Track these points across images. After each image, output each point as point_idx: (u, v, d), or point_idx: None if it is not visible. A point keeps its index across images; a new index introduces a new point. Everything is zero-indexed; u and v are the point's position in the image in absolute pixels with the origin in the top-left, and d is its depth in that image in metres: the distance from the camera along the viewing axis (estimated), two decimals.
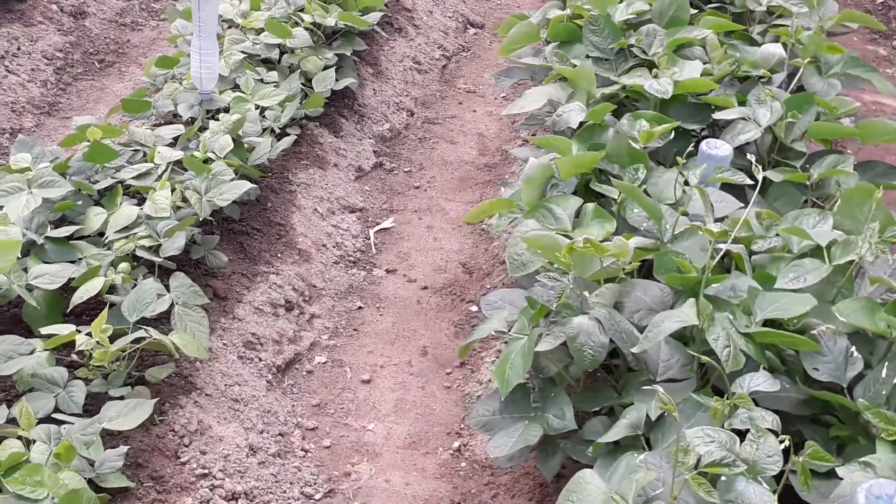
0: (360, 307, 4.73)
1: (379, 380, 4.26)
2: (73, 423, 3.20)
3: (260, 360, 4.10)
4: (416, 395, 4.17)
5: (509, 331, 3.33)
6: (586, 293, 3.22)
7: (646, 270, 3.50)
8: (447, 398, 4.15)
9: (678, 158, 3.56)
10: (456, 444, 3.87)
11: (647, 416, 2.84)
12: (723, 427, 2.59)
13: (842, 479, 2.53)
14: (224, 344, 4.03)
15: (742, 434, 2.55)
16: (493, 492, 3.57)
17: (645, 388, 2.86)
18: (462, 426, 3.97)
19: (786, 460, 2.51)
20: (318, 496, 3.61)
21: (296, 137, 5.28)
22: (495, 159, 6.07)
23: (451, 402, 4.12)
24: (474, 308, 4.66)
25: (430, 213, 5.53)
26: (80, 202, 4.17)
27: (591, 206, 3.63)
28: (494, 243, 5.13)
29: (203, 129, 4.86)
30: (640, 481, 2.47)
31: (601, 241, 3.29)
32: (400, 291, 4.87)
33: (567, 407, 3.11)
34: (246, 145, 4.75)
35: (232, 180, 4.28)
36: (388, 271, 5.01)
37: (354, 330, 4.58)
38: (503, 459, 3.34)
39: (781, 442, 2.45)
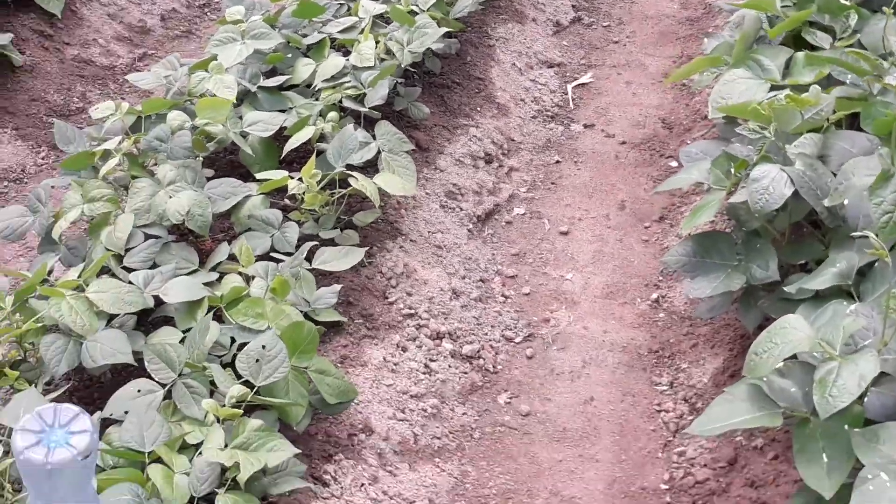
0: (557, 161, 4.75)
1: (577, 232, 4.30)
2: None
3: (461, 209, 4.20)
4: (614, 248, 4.19)
5: (707, 183, 3.29)
6: (787, 146, 3.13)
7: (857, 125, 3.36)
8: (645, 251, 4.15)
9: (884, 9, 3.37)
10: (654, 296, 3.89)
11: (856, 268, 2.77)
12: None
13: None
14: (427, 193, 4.13)
15: None
16: (692, 342, 3.59)
17: (855, 235, 2.77)
18: (660, 278, 3.98)
19: None
20: (518, 339, 3.72)
21: None
22: (697, 12, 5.88)
23: (650, 255, 4.12)
24: (674, 163, 4.60)
25: (629, 68, 5.44)
26: (289, 55, 4.31)
27: (801, 54, 3.50)
28: (695, 98, 5.01)
29: None
30: (848, 328, 2.43)
31: (812, 83, 3.18)
32: (598, 146, 4.85)
33: (771, 258, 3.07)
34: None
35: (434, 33, 4.30)
36: (585, 126, 4.99)
37: (552, 183, 4.61)
38: (704, 309, 3.35)
39: None
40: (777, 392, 2.51)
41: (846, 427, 2.34)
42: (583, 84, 5.30)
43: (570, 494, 3.11)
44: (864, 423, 2.35)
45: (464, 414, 3.37)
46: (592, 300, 3.92)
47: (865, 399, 2.43)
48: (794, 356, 2.53)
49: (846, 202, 2.91)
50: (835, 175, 2.99)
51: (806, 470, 2.34)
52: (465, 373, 3.52)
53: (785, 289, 2.91)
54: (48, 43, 5.12)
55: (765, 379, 2.53)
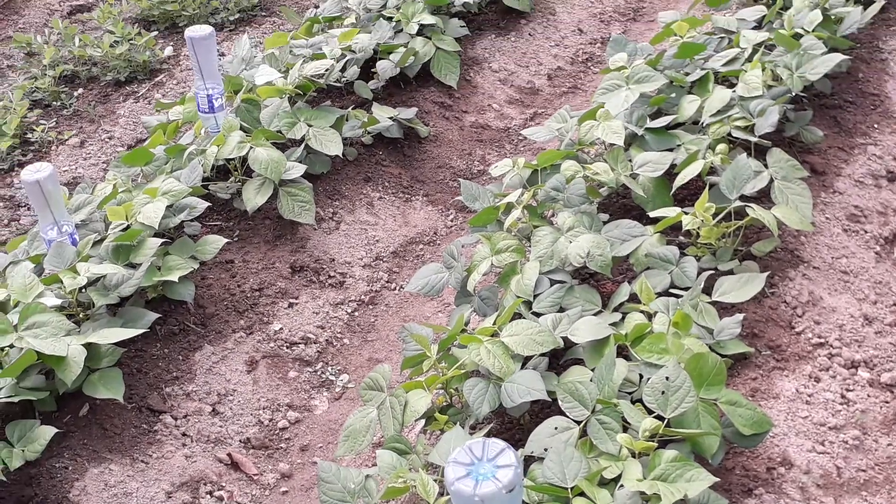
0: None
1: None
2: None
3: (865, 231, 4.01)
4: None
5: None
6: None
7: None
8: None
9: None
10: None
11: None
12: None
13: None
14: (826, 218, 3.99)
15: None
16: None
17: None
18: None
19: None
20: None
21: (884, 2, 5.00)
22: None
23: None
24: None
25: None
26: (673, 94, 4.36)
27: None
28: None
29: (785, 7, 4.79)
30: None
31: None
32: None
33: None
34: (833, 17, 4.60)
35: (822, 54, 4.18)
36: None
37: None
38: None
39: None
40: None
41: None
42: None
43: None
44: None
45: (889, 445, 3.19)
46: None
47: None
48: None
49: None
50: None
51: None
52: (887, 402, 3.33)
53: None
54: (448, 113, 5.53)
55: None
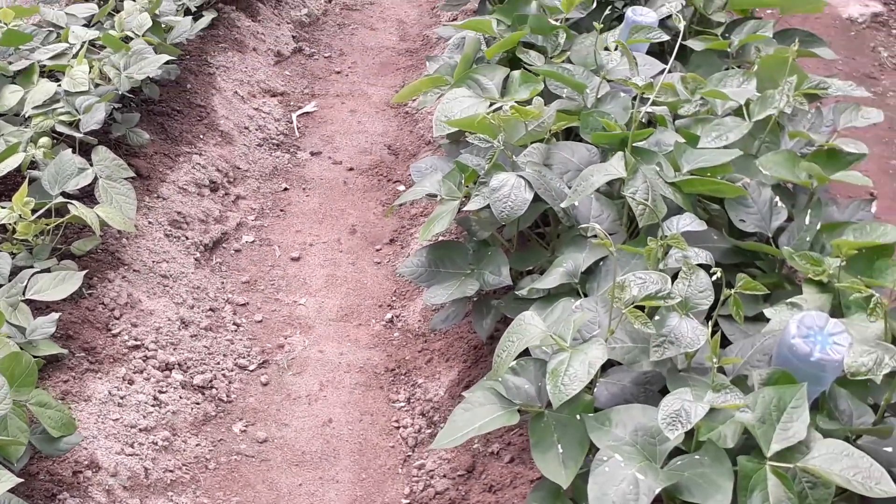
0: (285, 188, 4.70)
1: (308, 257, 4.25)
2: None
3: (187, 238, 4.06)
4: (347, 271, 4.17)
5: (440, 195, 3.35)
6: (514, 157, 3.24)
7: (573, 137, 3.52)
8: (377, 273, 4.16)
9: (595, 24, 3.59)
10: (388, 316, 3.90)
11: (582, 268, 2.88)
12: (657, 269, 2.64)
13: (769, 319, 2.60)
14: (149, 222, 3.97)
15: (677, 275, 2.59)
16: (427, 357, 3.62)
17: (585, 227, 2.87)
18: (394, 298, 4.00)
19: (715, 307, 2.55)
20: (252, 367, 3.62)
21: (212, 19, 5.16)
22: (416, 44, 6.02)
23: (382, 277, 4.14)
24: (401, 187, 4.66)
25: (352, 97, 5.48)
26: None
27: (517, 73, 3.64)
28: (419, 125, 5.11)
29: (118, 9, 4.71)
30: (577, 322, 2.52)
31: (528, 101, 3.31)
32: (326, 173, 4.83)
33: (503, 264, 3.14)
34: (163, 25, 4.62)
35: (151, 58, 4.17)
36: (312, 154, 4.97)
37: (281, 210, 4.55)
38: (438, 320, 3.38)
39: (712, 275, 2.49)
40: (513, 391, 2.55)
41: (578, 417, 2.41)
42: (307, 113, 5.28)
43: None
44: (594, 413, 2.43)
45: (197, 445, 3.23)
46: (327, 323, 3.88)
47: (595, 389, 2.52)
48: (529, 354, 2.59)
49: (577, 203, 3.03)
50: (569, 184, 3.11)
51: (543, 462, 2.39)
52: (198, 403, 3.38)
53: (517, 292, 2.99)
54: None
55: (500, 380, 2.57)
